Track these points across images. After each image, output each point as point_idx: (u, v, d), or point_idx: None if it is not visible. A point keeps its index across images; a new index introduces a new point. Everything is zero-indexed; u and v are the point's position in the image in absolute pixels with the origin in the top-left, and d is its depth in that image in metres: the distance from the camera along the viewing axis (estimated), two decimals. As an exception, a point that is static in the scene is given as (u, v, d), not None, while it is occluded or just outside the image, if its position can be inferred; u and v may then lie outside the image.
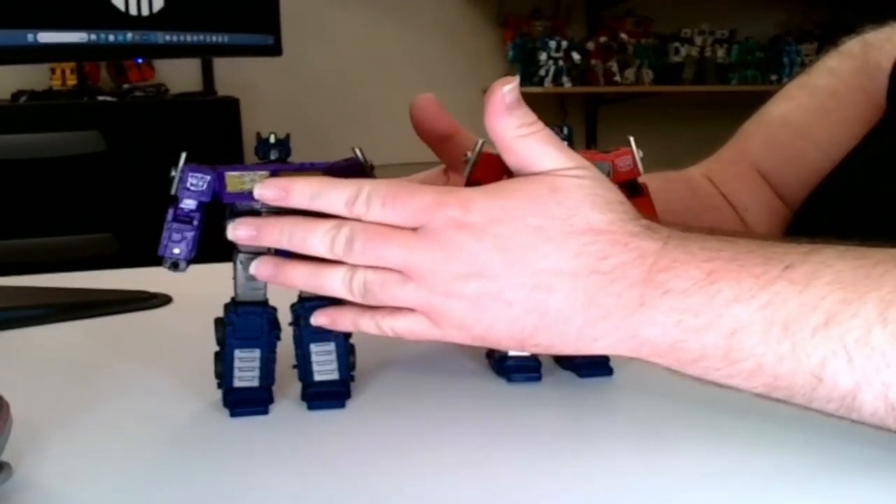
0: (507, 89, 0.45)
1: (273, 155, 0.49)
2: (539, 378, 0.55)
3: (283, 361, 0.51)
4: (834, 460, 0.44)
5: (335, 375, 0.51)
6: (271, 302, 0.51)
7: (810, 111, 0.75)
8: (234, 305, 0.50)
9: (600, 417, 0.51)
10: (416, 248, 0.44)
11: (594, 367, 0.56)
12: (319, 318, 0.49)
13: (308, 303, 0.50)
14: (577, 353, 0.46)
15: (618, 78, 3.19)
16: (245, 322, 0.50)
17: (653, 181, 0.56)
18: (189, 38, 0.84)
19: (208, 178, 0.48)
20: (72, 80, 2.52)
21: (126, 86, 2.56)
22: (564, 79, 3.10)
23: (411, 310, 0.46)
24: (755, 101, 0.80)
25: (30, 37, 0.71)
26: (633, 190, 0.54)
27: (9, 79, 2.47)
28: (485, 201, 0.44)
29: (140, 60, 2.58)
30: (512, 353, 0.55)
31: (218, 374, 0.50)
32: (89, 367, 0.61)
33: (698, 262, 0.42)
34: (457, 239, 0.44)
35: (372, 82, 3.06)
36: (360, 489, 0.42)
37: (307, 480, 0.43)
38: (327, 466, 0.45)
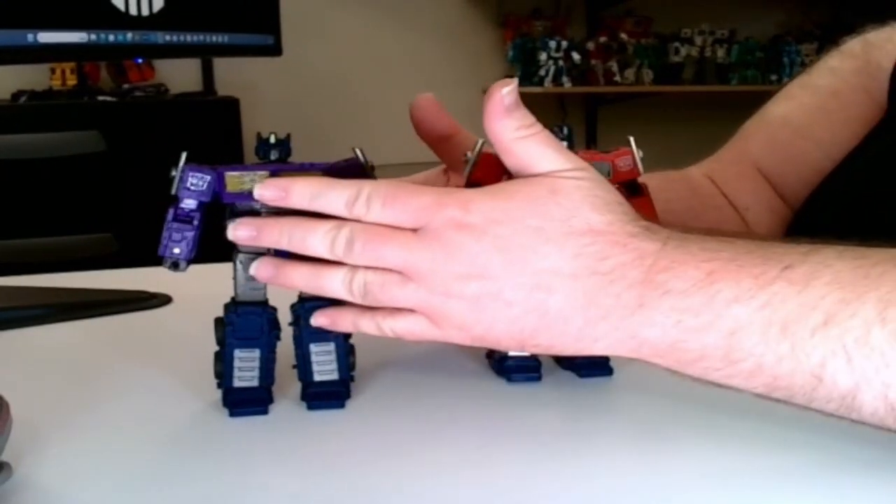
0: (506, 91, 0.45)
1: (273, 155, 0.49)
2: (539, 378, 0.55)
3: (282, 361, 0.51)
4: (834, 460, 0.44)
5: (335, 375, 0.51)
6: (271, 302, 0.51)
7: (811, 111, 0.75)
8: (234, 305, 0.50)
9: (600, 417, 0.51)
10: (415, 248, 0.44)
11: (594, 367, 0.56)
12: (319, 319, 0.49)
13: (308, 303, 0.50)
14: (577, 354, 0.46)
15: (618, 78, 3.19)
16: (245, 322, 0.50)
17: (653, 181, 0.56)
18: (189, 38, 0.84)
19: (208, 178, 0.48)
20: (72, 80, 2.52)
21: (126, 86, 2.56)
22: (564, 79, 3.10)
23: (411, 310, 0.46)
24: (755, 101, 0.80)
25: (30, 37, 0.71)
26: (632, 190, 0.54)
27: (9, 79, 2.47)
28: (485, 202, 0.44)
29: (140, 60, 2.58)
30: (512, 353, 0.55)
31: (217, 374, 0.50)
32: (89, 367, 0.61)
33: (697, 263, 0.43)
34: (457, 239, 0.44)
35: (372, 82, 3.06)
36: (360, 489, 0.42)
37: (307, 480, 0.43)
38: (327, 466, 0.45)
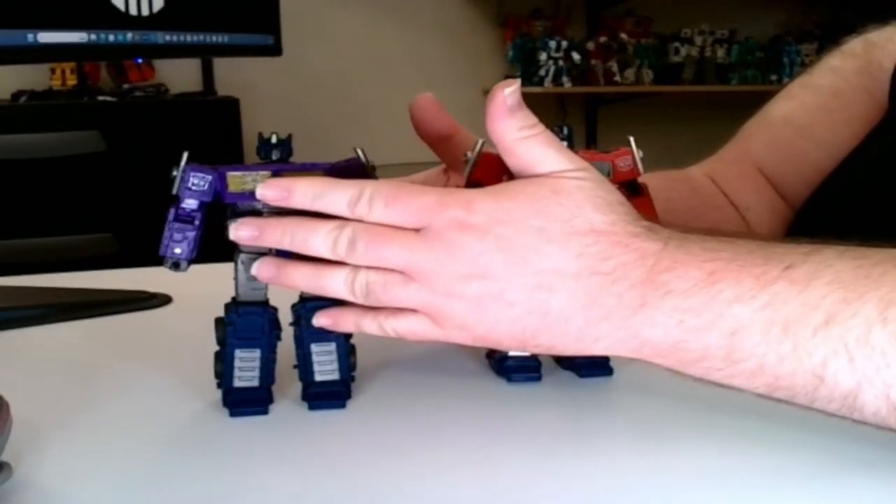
0: (509, 92, 0.46)
1: (275, 155, 0.49)
2: (539, 378, 0.55)
3: (283, 361, 0.51)
4: (834, 460, 0.44)
5: (336, 375, 0.51)
6: (272, 302, 0.51)
7: (813, 110, 0.75)
8: (234, 305, 0.50)
9: (600, 417, 0.51)
10: (418, 248, 0.44)
11: (594, 367, 0.56)
12: (321, 320, 0.49)
13: (309, 303, 0.50)
14: (579, 354, 0.46)
15: (618, 78, 3.19)
16: (246, 322, 0.50)
17: (654, 180, 0.56)
18: (189, 38, 0.84)
19: (210, 177, 0.48)
20: (72, 80, 2.52)
21: (126, 86, 2.56)
22: (564, 79, 3.10)
23: (413, 310, 0.46)
24: (755, 101, 0.80)
25: (30, 37, 0.71)
26: (633, 190, 0.54)
27: (9, 79, 2.47)
28: (487, 203, 0.44)
29: (140, 60, 2.58)
30: (512, 353, 0.55)
31: (218, 374, 0.50)
32: (89, 367, 0.61)
33: (699, 263, 0.43)
34: (459, 239, 0.44)
35: (372, 82, 3.06)
36: (360, 489, 0.42)
37: (307, 480, 0.43)
38: (327, 466, 0.45)
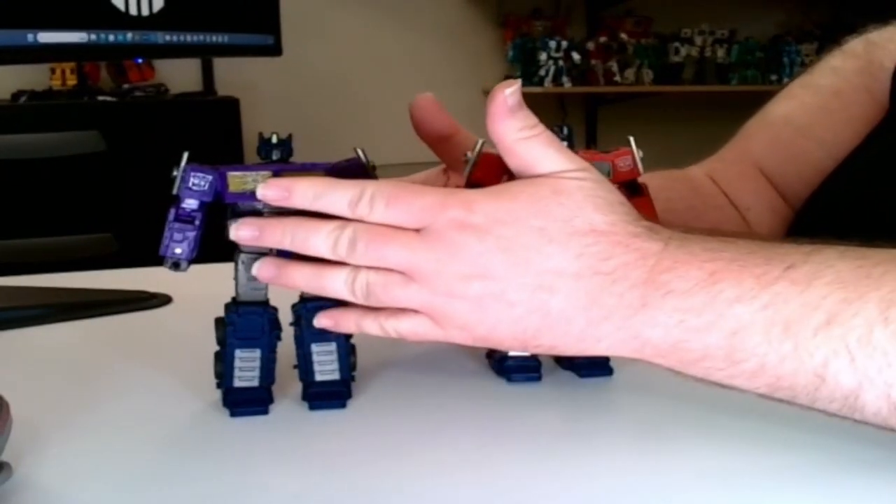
0: (510, 92, 0.46)
1: (275, 155, 0.49)
2: (539, 378, 0.55)
3: (283, 361, 0.51)
4: (834, 460, 0.44)
5: (336, 375, 0.51)
6: (272, 302, 0.51)
7: (813, 110, 0.75)
8: (235, 305, 0.50)
9: (600, 417, 0.51)
10: (418, 248, 0.44)
11: (594, 367, 0.56)
12: (322, 321, 0.49)
13: (309, 303, 0.50)
14: (580, 354, 0.46)
15: (618, 78, 3.19)
16: (246, 322, 0.50)
17: (654, 180, 0.56)
18: (189, 38, 0.84)
19: (210, 177, 0.48)
20: (72, 80, 2.52)
21: (126, 86, 2.56)
22: (564, 79, 3.10)
23: (414, 311, 0.46)
24: (755, 101, 0.80)
25: (30, 37, 0.71)
26: (633, 190, 0.54)
27: (9, 79, 2.47)
28: (488, 203, 0.44)
29: (140, 60, 2.58)
30: (512, 353, 0.55)
31: (218, 374, 0.50)
32: (89, 367, 0.61)
33: (700, 263, 0.43)
34: (460, 240, 0.44)
35: (372, 82, 3.06)
36: (360, 489, 0.42)
37: (307, 480, 0.43)
38: (327, 466, 0.45)
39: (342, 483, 0.43)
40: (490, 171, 0.50)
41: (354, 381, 0.52)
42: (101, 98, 2.42)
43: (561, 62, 3.09)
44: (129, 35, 0.78)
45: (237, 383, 0.50)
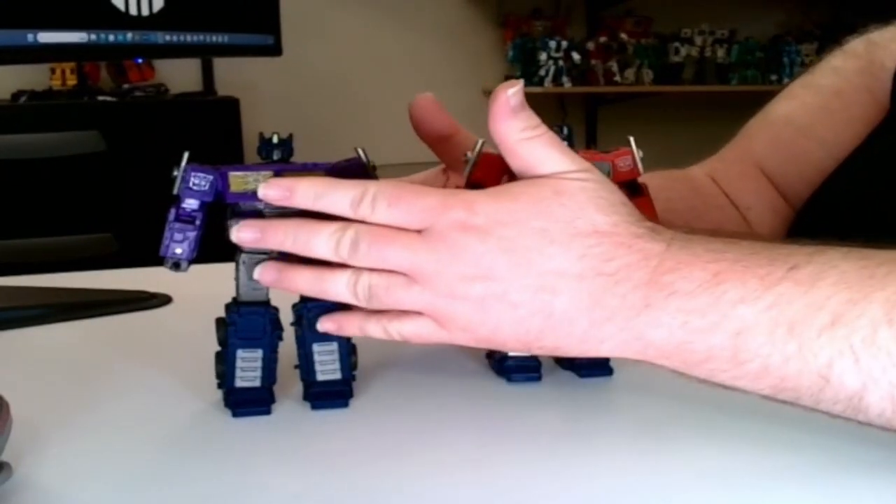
0: (512, 92, 0.45)
1: (276, 155, 0.49)
2: (539, 378, 0.55)
3: (283, 361, 0.51)
4: (835, 460, 0.44)
5: (337, 375, 0.51)
6: (273, 302, 0.51)
7: (814, 110, 0.75)
8: (236, 305, 0.50)
9: (600, 417, 0.51)
10: (420, 249, 0.44)
11: (594, 367, 0.56)
12: (325, 325, 0.49)
13: (310, 303, 0.50)
14: (583, 355, 0.46)
15: (618, 78, 3.19)
16: (247, 322, 0.50)
17: (655, 180, 0.56)
18: (189, 38, 0.84)
19: (210, 177, 0.48)
20: (72, 80, 2.52)
21: (126, 86, 2.56)
22: (564, 79, 3.10)
23: (417, 313, 0.46)
24: (755, 101, 0.80)
25: (30, 37, 0.71)
26: (633, 190, 0.54)
27: (9, 79, 2.47)
28: (490, 204, 0.44)
29: (140, 60, 2.58)
30: (512, 353, 0.55)
31: (219, 375, 0.50)
32: (89, 367, 0.61)
33: (703, 264, 0.42)
34: (462, 241, 0.44)
35: (372, 82, 3.06)
36: (361, 489, 0.42)
37: (309, 480, 0.43)
38: (329, 466, 0.45)
39: (343, 483, 0.43)
40: (490, 171, 0.50)
41: (355, 380, 0.52)
42: (101, 98, 2.42)
43: (561, 62, 3.08)
44: (129, 35, 0.78)
45: (239, 383, 0.50)
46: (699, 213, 0.74)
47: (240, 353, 0.50)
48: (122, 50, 0.82)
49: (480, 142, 0.51)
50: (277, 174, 0.48)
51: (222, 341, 0.50)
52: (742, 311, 0.41)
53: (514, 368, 0.55)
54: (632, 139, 0.54)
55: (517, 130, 0.46)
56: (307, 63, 2.86)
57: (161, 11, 0.80)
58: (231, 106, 2.44)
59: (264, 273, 0.48)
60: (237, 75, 2.71)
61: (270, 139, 0.50)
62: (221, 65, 2.71)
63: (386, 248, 0.45)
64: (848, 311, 0.39)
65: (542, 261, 0.44)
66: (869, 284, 0.40)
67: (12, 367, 0.61)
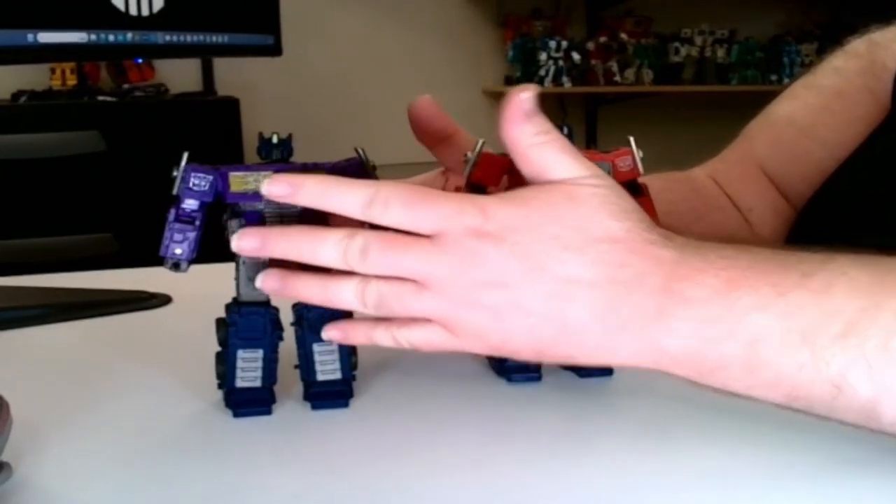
0: (526, 97, 0.45)
1: (275, 155, 0.49)
2: (539, 378, 0.55)
3: (283, 361, 0.51)
4: (835, 460, 0.44)
5: (338, 375, 0.51)
6: (273, 302, 0.51)
7: (816, 111, 0.75)
8: (236, 305, 0.50)
9: (600, 418, 0.51)
10: (434, 256, 0.43)
11: (594, 367, 0.56)
12: (331, 333, 0.48)
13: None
14: (597, 364, 0.45)
15: (618, 78, 3.19)
16: (248, 322, 0.50)
17: (656, 182, 0.56)
18: (189, 38, 0.84)
19: (210, 178, 0.48)
20: (72, 80, 2.52)
21: (126, 86, 2.56)
22: (564, 79, 3.10)
23: (427, 320, 0.45)
24: (755, 101, 0.80)
25: (30, 37, 0.71)
26: (633, 190, 0.54)
27: (9, 79, 2.47)
28: (502, 209, 0.43)
29: (140, 60, 2.58)
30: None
31: (219, 375, 0.50)
32: (89, 367, 0.61)
33: (716, 271, 0.42)
34: (476, 247, 0.43)
35: (372, 82, 3.06)
36: (361, 489, 0.42)
37: (309, 480, 0.43)
38: (329, 467, 0.45)
39: (343, 483, 0.43)
40: (490, 171, 0.50)
41: (355, 380, 0.52)
42: (101, 98, 2.42)
43: (561, 62, 3.09)
44: (129, 35, 0.78)
45: (239, 384, 0.50)
46: (700, 214, 0.74)
47: (240, 353, 0.50)
48: (122, 50, 0.82)
49: (480, 142, 0.50)
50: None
51: (223, 341, 0.50)
52: (755, 319, 0.41)
53: (514, 368, 0.55)
54: (632, 139, 0.54)
55: (529, 135, 0.45)
56: (307, 63, 2.86)
57: (161, 11, 0.80)
58: (231, 106, 2.44)
59: (267, 281, 0.47)
60: (237, 75, 2.71)
61: (270, 139, 0.49)
62: (221, 65, 2.71)
63: (399, 256, 0.43)
64: (861, 319, 0.39)
65: (556, 266, 0.43)
66: (881, 293, 0.39)
67: (12, 367, 0.61)
